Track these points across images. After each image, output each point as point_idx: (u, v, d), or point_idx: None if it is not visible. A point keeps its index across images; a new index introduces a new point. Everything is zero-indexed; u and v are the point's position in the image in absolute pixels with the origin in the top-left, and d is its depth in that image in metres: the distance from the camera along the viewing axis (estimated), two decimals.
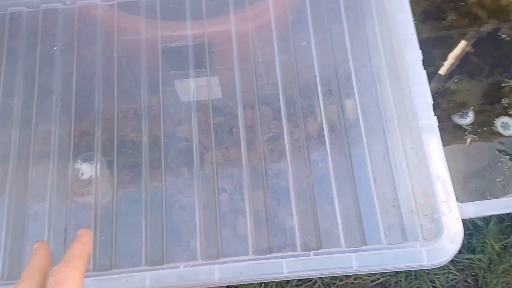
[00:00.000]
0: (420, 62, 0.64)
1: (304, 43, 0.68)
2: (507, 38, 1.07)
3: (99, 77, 0.70)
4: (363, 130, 0.63)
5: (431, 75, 1.06)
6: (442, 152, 0.59)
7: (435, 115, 0.61)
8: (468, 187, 0.93)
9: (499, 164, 0.93)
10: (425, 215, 0.57)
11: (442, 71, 1.06)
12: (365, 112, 0.65)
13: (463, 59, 1.08)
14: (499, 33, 1.08)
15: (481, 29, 1.08)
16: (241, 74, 0.69)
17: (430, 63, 1.07)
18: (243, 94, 0.69)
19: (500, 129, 0.95)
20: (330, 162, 0.61)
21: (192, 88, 0.71)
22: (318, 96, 0.65)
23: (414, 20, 0.95)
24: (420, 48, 0.64)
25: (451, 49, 1.09)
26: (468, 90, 1.05)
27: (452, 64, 1.07)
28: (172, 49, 0.78)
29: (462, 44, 1.09)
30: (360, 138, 0.64)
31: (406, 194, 0.59)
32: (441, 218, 0.55)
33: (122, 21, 0.75)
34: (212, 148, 0.66)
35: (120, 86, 0.70)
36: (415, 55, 0.64)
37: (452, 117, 0.98)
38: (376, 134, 0.63)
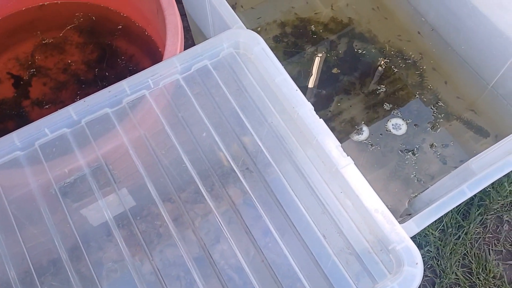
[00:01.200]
0: (314, 113, 0.67)
1: (204, 134, 0.67)
2: (361, 51, 1.19)
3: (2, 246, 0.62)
4: (290, 191, 0.64)
5: (314, 105, 1.13)
6: (368, 185, 0.62)
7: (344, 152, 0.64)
8: (391, 192, 1.00)
9: (407, 162, 1.02)
10: (381, 250, 0.59)
11: (322, 97, 1.15)
12: (286, 173, 0.66)
13: (335, 80, 1.17)
14: (354, 49, 1.20)
15: (339, 51, 1.20)
16: (148, 174, 0.66)
17: (308, 97, 1.15)
18: (158, 191, 0.66)
19: (394, 131, 1.05)
20: (272, 226, 0.61)
21: (104, 208, 0.66)
22: (233, 169, 0.65)
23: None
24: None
25: (319, 76, 1.18)
26: (351, 106, 1.14)
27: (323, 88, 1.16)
28: (70, 184, 0.72)
29: (329, 68, 1.19)
30: (291, 199, 0.65)
31: (356, 237, 0.61)
32: (396, 248, 0.57)
33: (6, 180, 0.68)
34: (147, 258, 0.62)
35: (29, 251, 0.63)
36: (306, 108, 0.68)
37: (350, 136, 1.06)
38: (304, 192, 0.65)
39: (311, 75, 1.17)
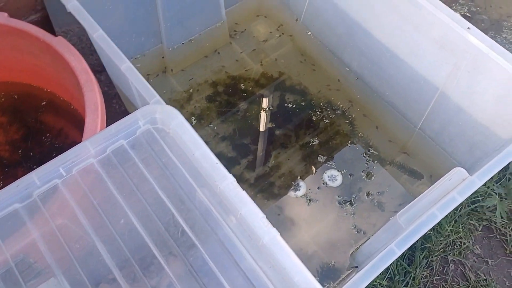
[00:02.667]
0: (236, 185, 0.66)
1: (122, 221, 0.64)
2: (294, 104, 1.21)
3: None
4: (217, 273, 0.61)
5: (252, 163, 1.12)
6: (295, 258, 0.60)
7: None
8: (335, 246, 0.98)
9: (345, 214, 1.01)
10: None
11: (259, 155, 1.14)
12: (212, 253, 0.63)
13: (271, 134, 1.18)
14: (287, 103, 1.22)
15: (272, 105, 1.21)
16: (63, 271, 0.62)
17: (246, 154, 1.14)
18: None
19: (330, 183, 1.05)
20: None
21: None
22: (155, 256, 0.62)
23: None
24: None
25: (255, 132, 1.18)
26: (288, 159, 1.14)
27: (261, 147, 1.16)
28: None
29: (263, 122, 1.19)
30: (219, 282, 0.62)
31: None
32: None
33: None
34: None
35: None
36: (228, 181, 0.66)
37: (289, 193, 1.05)
38: (232, 272, 0.62)
39: (249, 131, 1.17)
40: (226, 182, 0.66)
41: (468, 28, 0.89)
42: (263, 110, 1.19)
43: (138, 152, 0.71)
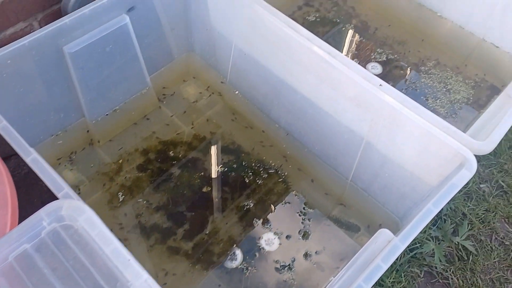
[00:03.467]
0: (152, 283, 0.62)
1: None
2: (226, 166, 1.19)
3: None
4: None
5: (188, 232, 1.08)
6: None
7: None
8: None
9: (285, 280, 0.99)
10: None
11: (197, 220, 1.11)
12: None
13: (207, 199, 1.14)
14: (219, 165, 1.20)
15: (206, 168, 1.18)
16: None
17: (181, 223, 1.10)
18: None
19: (267, 247, 1.03)
20: None
21: None
22: None
23: None
24: None
25: (191, 197, 1.15)
26: (226, 223, 1.11)
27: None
28: None
29: (199, 187, 1.16)
30: None
31: None
32: None
33: None
34: None
35: None
36: (141, 279, 0.62)
37: (226, 262, 1.01)
38: None
39: (185, 197, 1.14)
40: (140, 281, 0.62)
41: (380, 85, 0.92)
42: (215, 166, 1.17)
43: (43, 255, 0.66)
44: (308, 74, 1.01)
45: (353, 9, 1.52)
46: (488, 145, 0.84)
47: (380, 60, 1.34)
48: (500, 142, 1.33)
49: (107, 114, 1.18)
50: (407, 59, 1.38)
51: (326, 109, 1.03)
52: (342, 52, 1.36)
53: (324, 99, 1.02)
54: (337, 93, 0.97)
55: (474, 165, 0.81)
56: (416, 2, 1.43)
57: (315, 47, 0.96)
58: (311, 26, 1.46)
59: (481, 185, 1.24)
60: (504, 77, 1.32)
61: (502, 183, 1.25)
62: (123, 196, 1.12)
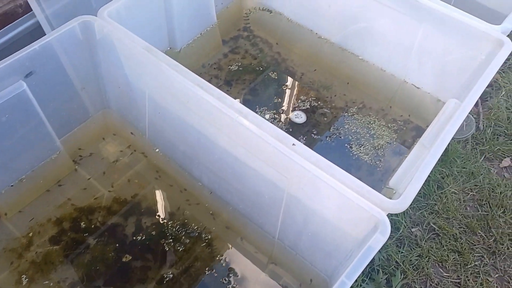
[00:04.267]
0: None
1: None
2: (148, 232, 1.12)
3: None
4: None
5: None
6: None
7: None
8: None
9: None
10: None
11: None
12: None
13: (127, 269, 1.06)
14: (144, 228, 1.12)
15: (127, 233, 1.10)
16: None
17: None
18: None
19: None
20: None
21: None
22: None
23: None
24: None
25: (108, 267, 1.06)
26: None
27: None
28: None
29: (119, 256, 1.08)
30: None
31: None
32: None
33: None
34: None
35: None
36: None
37: None
38: None
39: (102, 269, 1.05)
40: None
41: (293, 144, 0.88)
42: None
43: None
44: (221, 134, 0.97)
45: (279, 55, 1.51)
46: (402, 204, 0.81)
47: (304, 108, 1.32)
48: (429, 182, 1.34)
49: (12, 185, 1.09)
50: (333, 103, 1.37)
51: (243, 169, 0.99)
52: (266, 102, 1.35)
53: (241, 160, 0.97)
54: (251, 154, 0.93)
55: (387, 227, 0.78)
56: (337, 46, 1.44)
57: (225, 107, 0.92)
58: (235, 75, 1.43)
59: (413, 229, 1.23)
60: (427, 117, 1.33)
61: (434, 226, 1.24)
62: (31, 276, 1.02)
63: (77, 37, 1.06)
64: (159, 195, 1.19)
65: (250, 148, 0.93)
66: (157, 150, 1.21)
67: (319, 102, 1.34)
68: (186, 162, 1.15)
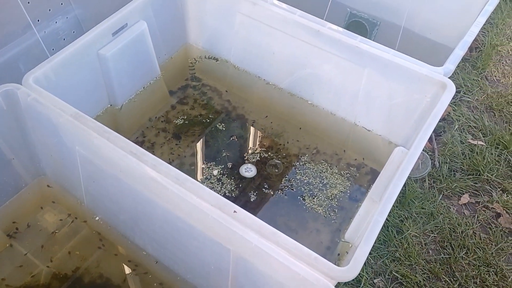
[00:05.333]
0: None
1: None
2: None
3: None
4: None
5: None
6: None
7: None
8: None
9: None
10: None
11: None
12: None
13: None
14: None
15: None
16: None
17: None
18: None
19: None
20: None
21: None
22: None
23: None
24: None
25: None
26: None
27: None
28: None
29: None
30: None
31: None
32: None
33: None
34: None
35: None
36: None
37: None
38: None
39: None
40: None
41: (234, 211, 0.82)
42: None
43: None
44: (159, 202, 0.90)
45: (229, 103, 1.47)
46: (351, 272, 0.76)
47: (254, 160, 1.26)
48: (387, 228, 1.30)
49: None
50: (287, 150, 1.33)
51: (186, 239, 0.92)
52: (214, 156, 1.29)
53: (182, 229, 0.90)
54: (192, 223, 0.87)
55: None
56: (286, 91, 1.41)
57: (160, 176, 0.86)
58: (184, 127, 1.37)
59: (375, 280, 1.17)
60: (381, 160, 1.30)
61: (397, 274, 1.19)
62: None
63: (0, 107, 0.99)
64: (103, 267, 1.10)
65: (190, 217, 0.87)
66: (97, 218, 1.13)
67: (269, 153, 1.29)
68: (128, 230, 1.07)
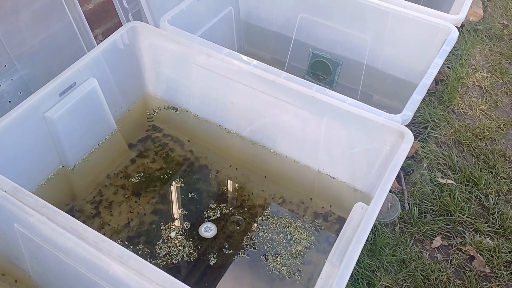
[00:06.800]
0: None
1: None
2: None
3: None
4: None
5: None
6: None
7: None
8: None
9: None
10: None
11: None
12: None
13: None
14: None
15: None
16: None
17: None
18: None
19: None
20: None
21: None
22: None
23: None
24: None
25: None
26: None
27: None
28: None
29: None
30: None
31: None
32: None
33: None
34: None
35: None
36: None
37: None
38: None
39: None
40: None
41: None
42: None
43: None
44: (104, 283, 0.84)
45: (191, 153, 1.42)
46: None
47: (214, 217, 1.21)
48: (357, 281, 1.24)
49: None
50: (251, 202, 1.28)
51: None
52: (172, 216, 1.23)
53: None
54: None
55: None
56: (248, 140, 1.37)
57: (101, 255, 0.80)
58: (144, 183, 1.32)
59: None
60: (348, 207, 1.25)
61: None
62: None
63: None
64: None
65: None
66: None
67: (231, 208, 1.24)
68: None
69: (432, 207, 1.40)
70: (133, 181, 1.33)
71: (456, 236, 1.34)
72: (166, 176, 1.35)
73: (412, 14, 1.43)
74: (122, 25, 1.42)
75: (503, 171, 1.51)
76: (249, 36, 1.85)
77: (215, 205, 1.25)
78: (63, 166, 1.25)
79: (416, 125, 1.68)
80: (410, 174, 1.50)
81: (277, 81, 1.18)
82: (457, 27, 1.42)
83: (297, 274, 1.09)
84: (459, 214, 1.38)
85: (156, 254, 1.15)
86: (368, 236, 0.92)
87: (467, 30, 2.16)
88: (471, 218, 1.37)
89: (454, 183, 1.45)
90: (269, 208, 1.26)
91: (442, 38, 1.42)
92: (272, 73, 1.19)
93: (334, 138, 1.17)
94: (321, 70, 1.75)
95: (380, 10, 1.47)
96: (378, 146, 1.10)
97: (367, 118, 1.08)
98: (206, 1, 1.52)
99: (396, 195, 1.42)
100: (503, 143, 1.62)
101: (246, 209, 1.25)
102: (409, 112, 1.10)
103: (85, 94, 1.20)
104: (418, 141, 1.60)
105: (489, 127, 1.66)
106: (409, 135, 1.04)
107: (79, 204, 1.29)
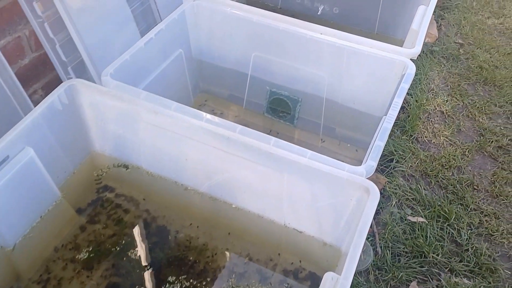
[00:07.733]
0: None
1: None
2: None
3: None
4: None
5: None
6: None
7: None
8: None
9: None
10: None
11: None
12: None
13: None
14: None
15: None
16: None
17: None
18: None
19: None
20: None
21: None
22: None
23: None
24: None
25: None
26: None
27: None
28: None
29: None
30: None
31: None
32: None
33: None
34: None
35: None
36: None
37: None
38: None
39: None
40: None
41: None
42: None
43: None
44: None
45: (148, 213, 1.31)
46: None
47: None
48: None
49: None
50: (215, 263, 1.18)
51: None
52: None
53: None
54: None
55: None
56: (207, 195, 1.28)
57: None
58: (96, 254, 1.20)
59: None
60: (319, 261, 1.19)
61: None
62: None
63: None
64: None
65: None
66: None
67: (191, 280, 1.14)
68: None
69: (405, 249, 1.34)
70: (83, 254, 1.21)
71: (432, 279, 1.28)
72: (121, 244, 1.24)
73: (367, 50, 1.38)
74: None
75: (472, 202, 1.47)
76: (204, 73, 1.77)
77: (174, 277, 1.14)
78: (1, 247, 1.12)
79: (381, 158, 1.63)
80: (380, 213, 1.44)
81: (232, 136, 1.09)
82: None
83: None
84: (433, 255, 1.32)
85: None
86: None
87: (423, 52, 2.15)
88: (445, 258, 1.32)
89: (425, 221, 1.40)
90: (234, 273, 1.16)
91: (399, 72, 1.38)
92: (227, 128, 1.11)
93: (297, 192, 1.10)
94: (281, 106, 1.69)
95: (335, 47, 1.42)
96: (344, 200, 1.03)
97: (329, 173, 1.01)
98: (153, 47, 1.43)
99: (368, 239, 1.35)
100: (470, 171, 1.59)
101: (209, 279, 1.15)
102: (372, 162, 1.04)
103: (21, 167, 1.08)
104: (385, 176, 1.55)
105: (454, 155, 1.63)
106: (375, 191, 0.97)
107: (23, 286, 1.16)
